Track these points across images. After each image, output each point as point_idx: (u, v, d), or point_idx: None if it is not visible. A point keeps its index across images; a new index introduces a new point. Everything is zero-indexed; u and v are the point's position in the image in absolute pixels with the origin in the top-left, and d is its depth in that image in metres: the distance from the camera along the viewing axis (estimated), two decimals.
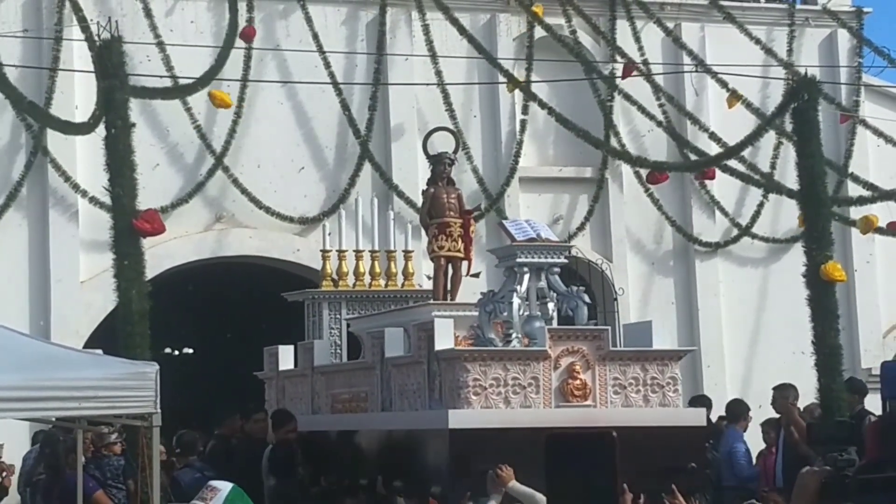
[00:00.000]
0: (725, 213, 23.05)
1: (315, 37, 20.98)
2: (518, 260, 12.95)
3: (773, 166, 22.59)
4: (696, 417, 13.12)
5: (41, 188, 20.21)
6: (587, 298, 13.09)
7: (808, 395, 15.79)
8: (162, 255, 19.59)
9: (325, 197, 21.22)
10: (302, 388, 15.45)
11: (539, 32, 22.13)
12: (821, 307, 16.26)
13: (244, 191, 20.70)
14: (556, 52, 21.99)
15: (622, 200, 22.68)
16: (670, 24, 22.92)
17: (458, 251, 14.64)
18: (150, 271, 15.84)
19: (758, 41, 23.01)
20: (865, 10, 24.20)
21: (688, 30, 23.12)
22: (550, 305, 13.16)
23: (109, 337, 16.01)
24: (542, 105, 21.83)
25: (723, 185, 22.84)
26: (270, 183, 21.02)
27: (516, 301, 12.86)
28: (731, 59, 21.91)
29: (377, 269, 16.53)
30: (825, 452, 9.21)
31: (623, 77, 21.99)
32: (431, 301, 14.41)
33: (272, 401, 16.19)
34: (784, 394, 15.17)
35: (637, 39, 22.64)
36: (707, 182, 22.74)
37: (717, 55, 22.64)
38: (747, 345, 23.16)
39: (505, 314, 12.91)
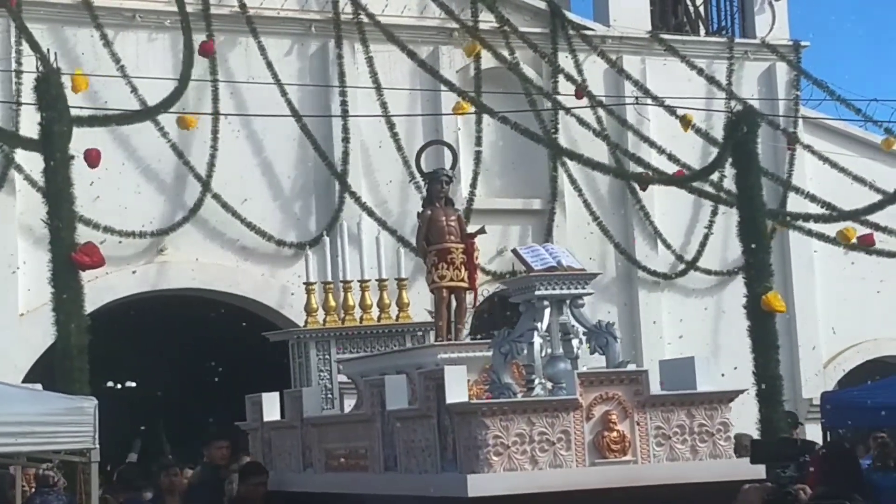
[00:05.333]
0: (668, 246, 22.92)
1: (269, 65, 20.59)
2: (537, 293, 11.17)
3: (717, 196, 22.41)
4: (754, 469, 11.27)
5: None
6: (618, 333, 11.31)
7: (748, 425, 15.68)
8: (102, 287, 19.02)
9: (275, 228, 20.74)
10: (291, 442, 13.63)
11: (483, 65, 21.95)
12: (761, 337, 16.93)
13: (189, 221, 20.18)
14: (499, 83, 21.89)
15: (566, 231, 22.21)
16: (612, 57, 22.98)
17: (462, 280, 12.77)
18: (91, 304, 15.91)
19: (700, 71, 23.22)
20: (803, 43, 24.48)
21: (629, 62, 23.15)
22: (575, 343, 11.38)
23: (50, 371, 15.71)
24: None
25: (665, 218, 22.98)
26: (214, 215, 20.40)
27: (537, 340, 11.09)
28: (671, 93, 22.35)
29: (368, 301, 14.72)
30: (768, 469, 9.34)
31: (577, 97, 21.96)
32: (436, 342, 12.56)
33: (258, 454, 14.44)
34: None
35: (580, 72, 22.50)
36: (650, 213, 22.82)
37: (658, 88, 22.75)
38: None
39: (525, 354, 11.13)
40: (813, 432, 15.42)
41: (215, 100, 20.28)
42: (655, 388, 11.10)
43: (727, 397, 11.26)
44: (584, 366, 11.41)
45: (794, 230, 22.86)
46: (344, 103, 20.86)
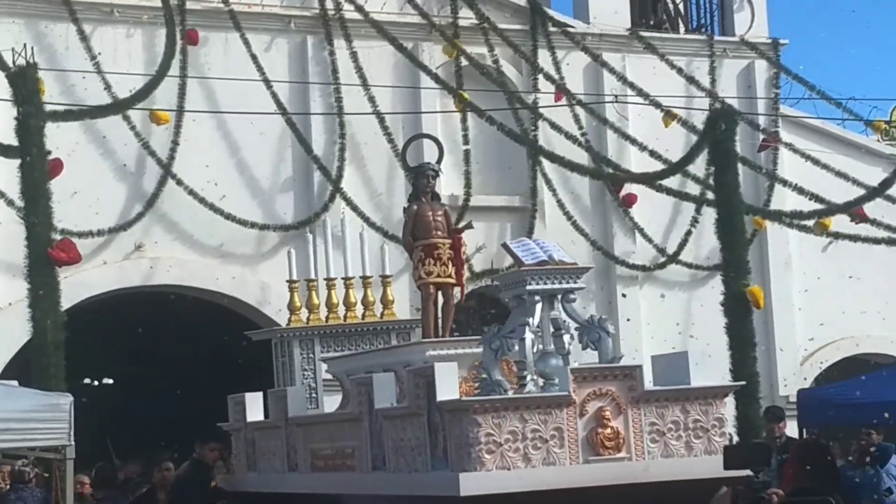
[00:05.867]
0: (649, 240, 22.69)
1: (254, 58, 20.27)
2: (528, 287, 10.95)
3: (702, 194, 22.04)
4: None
5: None
6: (611, 328, 11.09)
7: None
8: (79, 284, 18.56)
9: (245, 227, 20.22)
10: (275, 442, 13.37)
11: (463, 62, 21.68)
12: (738, 335, 16.99)
13: (167, 217, 19.84)
14: (479, 81, 21.61)
15: (545, 228, 21.85)
16: (593, 53, 22.77)
17: (449, 276, 12.56)
18: (67, 301, 15.79)
19: (679, 70, 22.96)
20: (782, 41, 24.32)
21: (609, 60, 22.89)
22: (566, 338, 11.17)
23: (26, 367, 15.76)
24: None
25: (644, 213, 22.68)
26: (192, 211, 19.97)
27: (529, 336, 10.87)
28: (651, 90, 22.17)
29: (352, 299, 14.47)
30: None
31: (556, 100, 21.76)
32: (424, 339, 12.31)
33: (241, 455, 14.16)
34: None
35: (558, 70, 22.27)
36: (629, 209, 22.52)
37: (638, 85, 22.45)
38: None
39: (516, 350, 10.91)
40: (789, 430, 15.12)
41: (181, 95, 19.90)
42: (649, 383, 10.92)
43: (722, 392, 11.08)
44: (574, 361, 11.21)
45: (778, 223, 22.69)
46: (339, 99, 20.66)
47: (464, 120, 21.48)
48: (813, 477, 12.50)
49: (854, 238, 22.75)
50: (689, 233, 22.63)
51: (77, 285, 18.23)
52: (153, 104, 19.29)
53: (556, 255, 11.19)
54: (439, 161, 13.16)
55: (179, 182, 19.60)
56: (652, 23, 24.46)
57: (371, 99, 20.78)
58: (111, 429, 19.22)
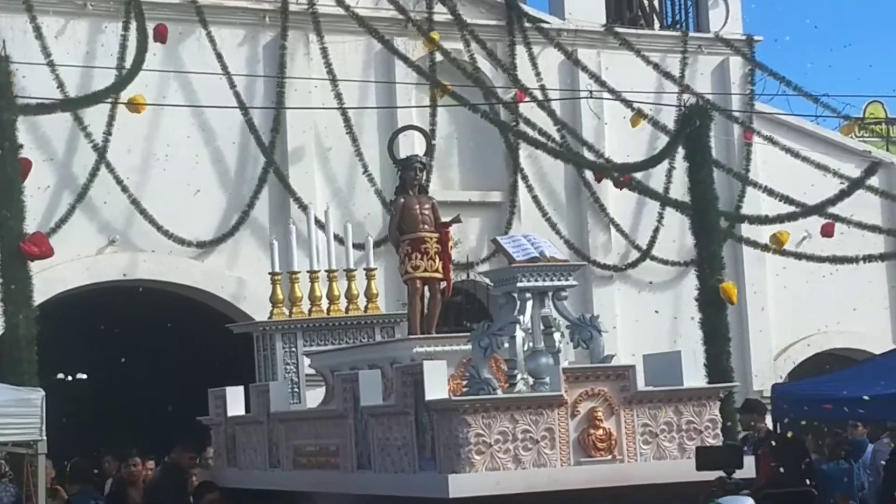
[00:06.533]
0: (625, 235, 22.69)
1: (219, 57, 20.06)
2: (519, 284, 10.76)
3: (666, 191, 22.15)
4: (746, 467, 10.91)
5: None
6: (603, 327, 10.93)
7: None
8: (52, 278, 18.37)
9: (219, 221, 20.17)
10: (257, 437, 13.13)
11: (438, 57, 21.50)
12: (712, 330, 17.07)
13: (143, 212, 19.53)
14: (456, 76, 21.38)
15: (520, 225, 21.72)
16: (567, 50, 22.69)
17: (436, 271, 12.38)
18: (40, 296, 15.75)
19: (655, 66, 22.99)
20: (756, 38, 24.34)
21: (585, 55, 22.87)
22: (556, 336, 11.00)
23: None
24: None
25: (619, 207, 22.69)
26: (167, 205, 19.79)
27: (520, 334, 10.68)
28: (627, 86, 22.16)
29: (336, 292, 14.26)
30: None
31: (517, 102, 21.59)
32: (411, 335, 12.12)
33: (221, 449, 13.94)
34: None
35: (534, 65, 22.19)
36: (604, 204, 22.53)
37: (613, 81, 22.47)
38: None
39: (506, 347, 10.73)
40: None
41: (158, 88, 19.73)
42: (642, 383, 10.75)
43: (716, 393, 10.94)
44: (564, 360, 11.06)
45: (748, 223, 22.65)
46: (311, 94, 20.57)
47: (434, 114, 21.30)
48: (787, 470, 12.50)
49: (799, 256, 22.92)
50: (657, 229, 22.61)
51: (50, 280, 18.06)
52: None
53: (548, 251, 11.01)
54: (426, 153, 12.97)
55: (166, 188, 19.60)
56: (627, 19, 24.33)
57: (338, 96, 20.60)
58: (86, 424, 19.07)
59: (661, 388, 10.68)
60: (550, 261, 10.93)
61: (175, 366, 22.41)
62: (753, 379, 22.74)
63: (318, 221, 15.73)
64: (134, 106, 18.56)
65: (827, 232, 22.40)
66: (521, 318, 10.73)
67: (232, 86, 19.97)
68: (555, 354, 10.91)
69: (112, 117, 19.14)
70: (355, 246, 15.31)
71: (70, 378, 26.03)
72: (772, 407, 14.62)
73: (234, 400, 13.65)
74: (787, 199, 21.90)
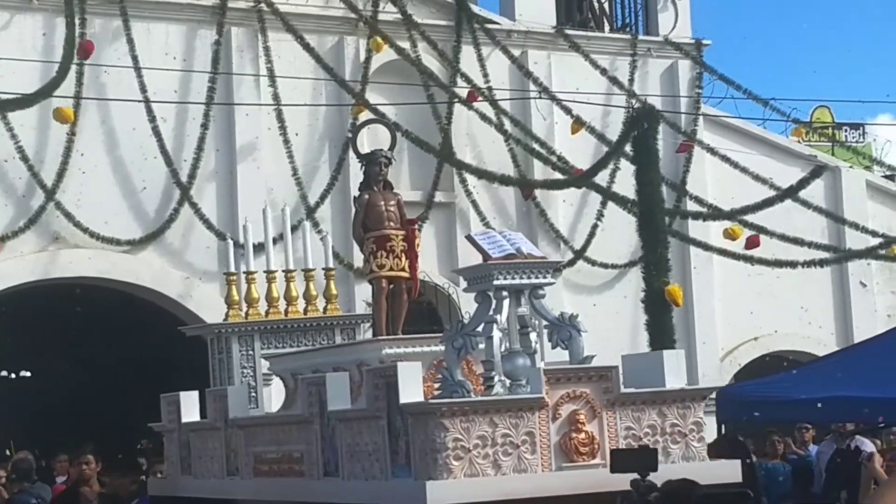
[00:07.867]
0: (565, 241, 22.48)
1: (135, 57, 19.50)
2: (495, 282, 10.26)
3: (608, 188, 21.95)
4: (730, 471, 10.50)
5: None
6: (583, 327, 10.45)
7: None
8: None
9: (154, 218, 19.74)
10: (213, 444, 12.49)
11: (385, 57, 21.24)
12: (658, 331, 17.11)
13: (69, 216, 19.08)
14: (401, 75, 21.33)
15: (470, 226, 21.39)
16: (517, 52, 22.49)
17: (403, 270, 11.85)
18: None
19: (603, 70, 22.89)
20: (704, 42, 24.34)
21: (535, 57, 22.78)
22: (533, 336, 10.50)
23: None
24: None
25: (566, 213, 22.72)
26: (104, 203, 19.44)
27: (497, 334, 10.18)
28: (577, 87, 22.15)
29: (294, 293, 13.71)
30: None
31: (468, 101, 21.30)
32: (378, 337, 11.58)
33: (174, 458, 13.30)
34: None
35: (483, 66, 21.92)
36: (548, 211, 22.40)
37: (563, 82, 22.51)
38: None
39: (481, 348, 10.23)
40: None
41: (79, 84, 19.19)
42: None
43: (700, 395, 10.51)
44: (541, 361, 10.59)
45: (690, 219, 22.65)
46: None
47: (375, 111, 20.72)
48: None
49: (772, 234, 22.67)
50: (595, 226, 22.42)
51: None
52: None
53: (525, 248, 10.52)
54: (391, 148, 12.45)
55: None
56: (577, 21, 24.08)
57: (276, 96, 20.20)
58: (33, 422, 18.50)
59: (645, 389, 10.22)
60: (528, 258, 10.46)
61: (122, 366, 21.91)
62: (701, 380, 22.17)
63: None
64: (61, 116, 18.27)
65: (753, 243, 22.39)
66: (498, 317, 10.25)
67: (143, 86, 19.43)
68: (531, 355, 10.44)
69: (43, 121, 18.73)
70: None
71: (13, 376, 25.37)
72: (717, 408, 14.49)
73: (189, 405, 13.00)
74: (714, 209, 22.08)
